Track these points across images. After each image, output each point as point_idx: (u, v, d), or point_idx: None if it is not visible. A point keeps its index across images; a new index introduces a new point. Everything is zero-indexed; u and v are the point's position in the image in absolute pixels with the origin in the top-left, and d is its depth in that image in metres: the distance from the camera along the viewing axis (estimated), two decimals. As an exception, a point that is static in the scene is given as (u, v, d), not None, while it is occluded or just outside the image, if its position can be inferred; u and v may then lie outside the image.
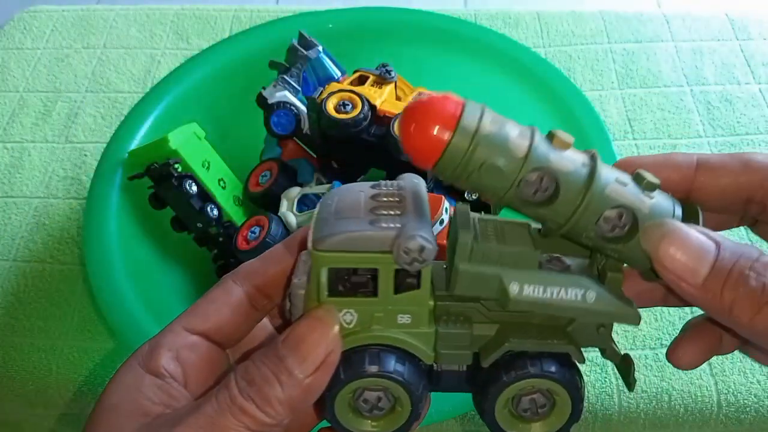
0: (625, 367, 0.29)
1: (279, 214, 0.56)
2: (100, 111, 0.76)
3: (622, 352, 0.30)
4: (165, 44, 0.82)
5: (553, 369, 0.27)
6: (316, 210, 0.27)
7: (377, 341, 0.27)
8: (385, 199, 0.27)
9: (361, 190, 0.28)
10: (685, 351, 0.31)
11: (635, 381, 0.29)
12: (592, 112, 0.60)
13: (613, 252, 0.27)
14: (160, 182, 0.55)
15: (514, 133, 0.25)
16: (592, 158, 0.26)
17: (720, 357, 0.56)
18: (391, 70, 0.61)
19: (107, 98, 0.77)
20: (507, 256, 0.26)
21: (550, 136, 0.26)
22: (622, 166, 0.28)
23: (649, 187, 0.26)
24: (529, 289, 0.26)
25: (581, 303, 0.26)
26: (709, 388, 0.55)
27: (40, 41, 0.83)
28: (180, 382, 0.28)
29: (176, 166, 0.55)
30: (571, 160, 0.25)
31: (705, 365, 0.56)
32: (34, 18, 0.86)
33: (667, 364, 0.55)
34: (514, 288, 0.26)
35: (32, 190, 0.69)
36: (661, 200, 0.27)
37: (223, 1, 0.88)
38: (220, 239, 0.57)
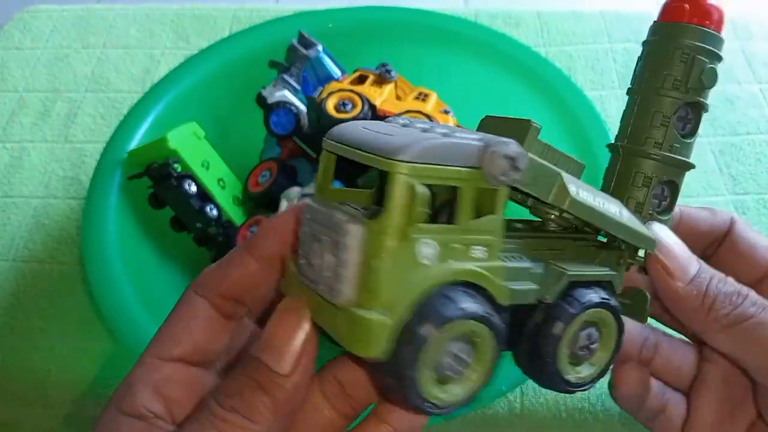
0: (638, 302, 0.30)
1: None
2: (100, 111, 0.76)
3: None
4: (164, 44, 0.82)
5: (608, 296, 0.27)
6: (337, 133, 0.23)
7: (457, 277, 0.22)
8: (421, 124, 0.24)
9: (376, 122, 0.25)
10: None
11: (648, 312, 0.30)
12: (593, 111, 0.60)
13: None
14: (159, 182, 0.55)
15: None
16: None
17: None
18: (391, 70, 0.60)
19: (107, 98, 0.77)
20: (560, 160, 0.26)
21: None
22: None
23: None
24: (583, 194, 0.26)
25: (619, 217, 0.27)
26: (710, 389, 0.55)
27: (40, 41, 0.83)
28: (166, 419, 0.25)
29: (175, 165, 0.55)
30: None
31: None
32: (34, 18, 0.86)
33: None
34: (572, 188, 0.25)
35: (31, 190, 0.69)
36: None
37: (223, 1, 0.88)
38: (220, 239, 0.57)
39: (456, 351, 0.23)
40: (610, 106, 0.74)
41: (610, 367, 0.29)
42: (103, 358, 0.57)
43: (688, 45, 0.30)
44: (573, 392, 0.28)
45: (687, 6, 0.29)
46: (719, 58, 0.31)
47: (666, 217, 0.31)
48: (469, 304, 0.22)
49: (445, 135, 0.23)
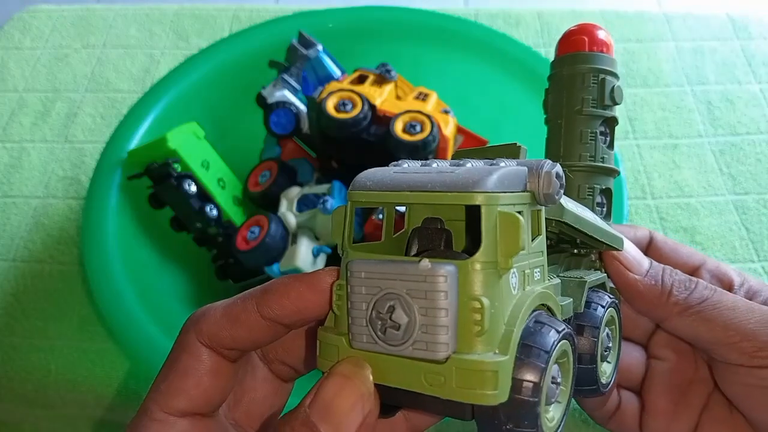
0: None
1: (278, 213, 0.56)
2: (100, 111, 0.75)
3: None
4: (164, 44, 0.82)
5: (611, 295, 0.30)
6: (389, 174, 0.22)
7: (540, 302, 0.22)
8: (440, 161, 0.24)
9: (411, 164, 0.24)
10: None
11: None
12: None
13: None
14: (159, 182, 0.55)
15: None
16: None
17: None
18: (391, 70, 0.60)
19: (106, 98, 0.77)
20: None
21: None
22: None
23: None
24: (571, 205, 0.27)
25: (596, 221, 0.29)
26: (710, 389, 0.55)
27: (40, 41, 0.83)
28: None
29: (175, 165, 0.55)
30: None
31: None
32: (34, 18, 0.86)
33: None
34: (564, 202, 0.26)
35: (31, 190, 0.69)
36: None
37: (223, 1, 0.88)
38: (220, 239, 0.57)
39: (554, 374, 0.22)
40: (610, 106, 0.74)
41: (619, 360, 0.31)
42: (103, 358, 0.57)
43: (595, 69, 0.33)
44: (604, 393, 0.29)
45: (585, 38, 0.34)
46: (618, 77, 0.35)
47: (608, 222, 0.35)
48: (560, 325, 0.22)
49: (493, 164, 0.22)
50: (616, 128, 0.35)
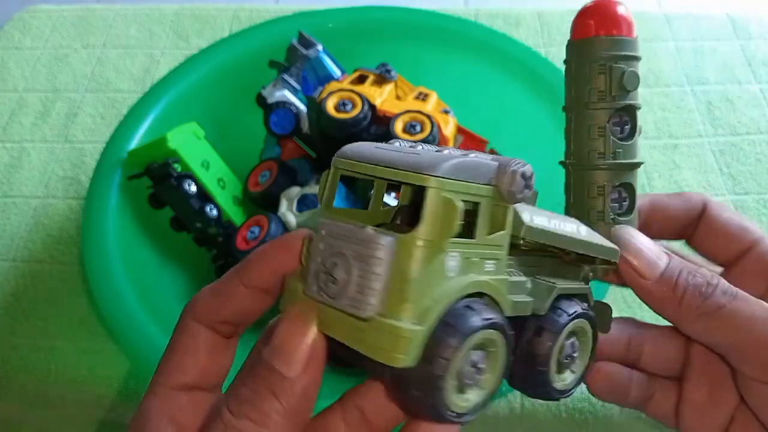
0: (603, 314, 0.32)
1: (278, 214, 0.56)
2: (100, 111, 0.75)
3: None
4: (164, 44, 0.82)
5: (587, 307, 0.29)
6: (360, 149, 0.24)
7: (477, 289, 0.23)
8: (428, 145, 0.26)
9: (396, 144, 0.26)
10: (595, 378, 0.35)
11: (610, 322, 0.32)
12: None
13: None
14: (159, 182, 0.55)
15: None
16: None
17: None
18: (391, 70, 0.60)
19: (106, 98, 0.77)
20: None
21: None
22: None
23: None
24: (538, 220, 0.26)
25: (576, 235, 0.28)
26: (710, 389, 0.55)
27: (40, 41, 0.83)
28: None
29: (175, 165, 0.55)
30: None
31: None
32: (34, 18, 0.86)
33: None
34: (525, 217, 0.26)
35: (31, 190, 0.69)
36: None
37: (223, 1, 0.88)
38: (220, 239, 0.57)
39: (476, 359, 0.23)
40: (610, 106, 0.74)
41: (586, 372, 0.30)
42: (103, 358, 0.57)
43: (602, 56, 0.31)
44: (558, 399, 0.29)
45: (592, 22, 0.32)
46: (637, 59, 0.33)
47: (629, 217, 0.33)
48: (491, 314, 0.23)
49: (463, 155, 0.24)
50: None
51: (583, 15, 0.32)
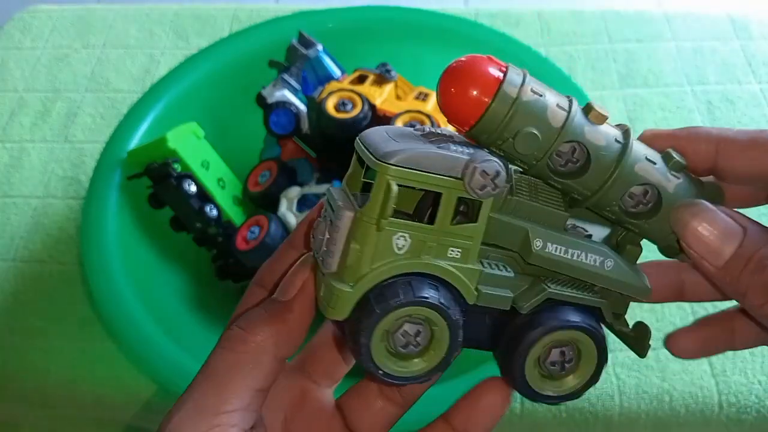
0: (639, 335, 0.30)
1: (278, 214, 0.56)
2: (99, 111, 0.75)
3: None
4: (164, 44, 0.82)
5: (588, 321, 0.28)
6: (359, 141, 0.26)
7: (424, 270, 0.25)
8: (437, 135, 0.26)
9: (403, 128, 0.28)
10: (685, 338, 0.32)
11: (649, 347, 0.29)
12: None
13: (634, 227, 0.28)
14: (159, 182, 0.55)
15: (553, 102, 0.26)
16: (626, 134, 0.27)
17: (721, 358, 0.56)
18: (390, 70, 0.60)
19: (106, 98, 0.77)
20: (537, 213, 0.27)
21: (588, 109, 0.26)
22: (646, 139, 0.28)
23: (677, 167, 0.27)
24: (551, 247, 0.27)
25: (598, 269, 0.27)
26: (710, 389, 0.55)
27: (40, 41, 0.83)
28: None
29: (175, 165, 0.55)
30: (605, 134, 0.26)
31: (706, 366, 0.56)
32: (34, 18, 0.86)
33: (668, 364, 0.55)
34: (537, 243, 0.26)
35: (31, 190, 0.69)
36: (685, 182, 0.28)
37: (223, 1, 0.88)
38: (220, 239, 0.57)
39: (411, 332, 0.26)
40: (611, 106, 0.74)
41: (585, 390, 0.29)
42: (103, 358, 0.57)
43: (493, 139, 0.26)
44: (539, 401, 0.28)
45: (476, 91, 0.25)
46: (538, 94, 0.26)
47: (678, 175, 0.28)
48: (427, 293, 0.25)
49: (440, 147, 0.25)
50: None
51: (461, 94, 0.26)
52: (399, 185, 0.24)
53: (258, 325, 0.26)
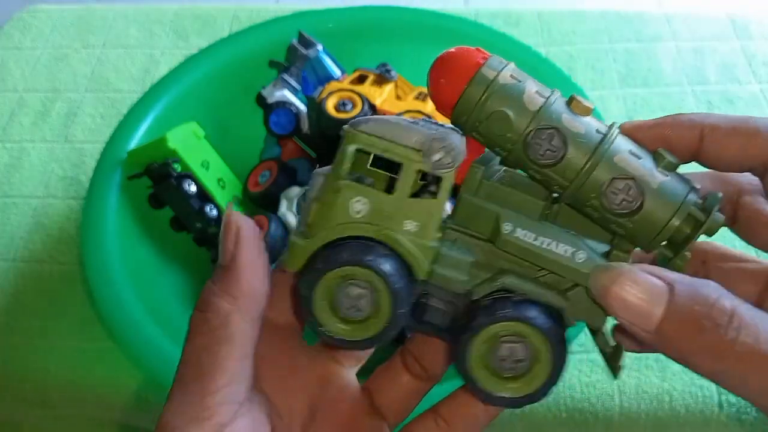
0: (614, 353, 0.28)
1: (279, 213, 0.56)
2: (99, 111, 0.75)
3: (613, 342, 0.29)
4: (164, 44, 0.82)
5: (537, 315, 0.26)
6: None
7: (376, 236, 0.26)
8: (423, 122, 0.27)
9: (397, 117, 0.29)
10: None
11: (621, 368, 0.28)
12: (594, 112, 0.60)
13: (619, 227, 0.26)
14: (159, 182, 0.55)
15: (532, 88, 0.26)
16: (610, 127, 0.26)
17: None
18: (390, 70, 0.60)
19: (106, 98, 0.77)
20: (513, 198, 0.27)
21: (570, 100, 0.26)
22: (627, 131, 0.27)
23: (668, 167, 0.26)
24: (521, 233, 0.26)
25: (568, 260, 0.26)
26: (710, 389, 0.55)
27: (40, 41, 0.83)
28: None
29: (175, 165, 0.55)
30: (585, 123, 0.26)
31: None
32: (34, 17, 0.86)
33: (668, 364, 0.55)
34: (507, 227, 0.26)
35: (31, 190, 0.69)
36: (675, 181, 0.26)
37: (223, 1, 0.88)
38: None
39: (353, 294, 0.26)
40: (611, 106, 0.74)
41: (544, 393, 0.27)
42: (103, 358, 0.57)
43: (472, 122, 0.26)
44: (484, 400, 0.27)
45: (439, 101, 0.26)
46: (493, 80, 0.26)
47: (667, 173, 0.26)
48: (372, 257, 0.25)
49: (412, 122, 0.26)
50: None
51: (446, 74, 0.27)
52: (361, 150, 0.26)
53: (211, 299, 0.25)
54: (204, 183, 0.57)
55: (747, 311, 0.22)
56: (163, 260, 0.57)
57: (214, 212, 0.57)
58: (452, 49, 0.27)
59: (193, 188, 0.56)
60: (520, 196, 0.27)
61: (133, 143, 0.59)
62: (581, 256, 0.26)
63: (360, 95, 0.56)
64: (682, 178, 0.26)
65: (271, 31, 0.68)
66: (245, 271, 0.26)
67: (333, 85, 0.58)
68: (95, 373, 0.57)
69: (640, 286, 0.24)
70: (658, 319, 0.23)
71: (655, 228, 0.26)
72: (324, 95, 0.56)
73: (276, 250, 0.53)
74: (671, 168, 0.26)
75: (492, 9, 0.83)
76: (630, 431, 0.54)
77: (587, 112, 0.26)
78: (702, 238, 0.26)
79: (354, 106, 0.55)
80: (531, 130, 0.25)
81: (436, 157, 0.25)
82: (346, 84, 0.59)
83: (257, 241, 0.26)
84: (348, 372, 0.31)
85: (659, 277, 0.24)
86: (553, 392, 0.31)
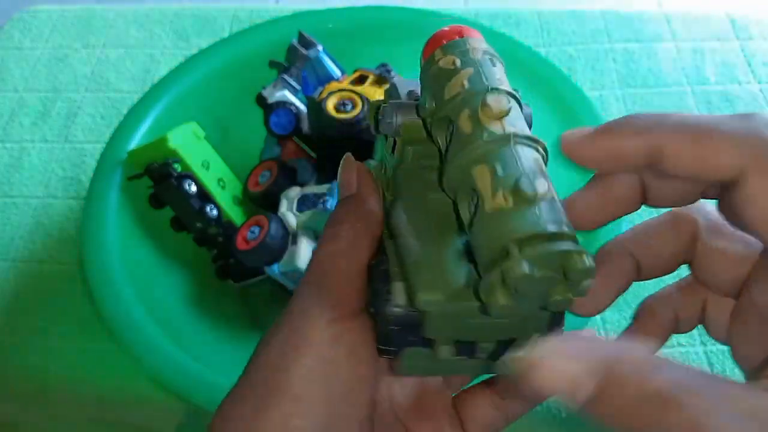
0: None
1: (279, 213, 0.56)
2: (100, 111, 0.75)
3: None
4: (164, 44, 0.82)
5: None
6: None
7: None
8: None
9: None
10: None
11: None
12: (593, 111, 0.60)
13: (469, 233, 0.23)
14: (159, 182, 0.55)
15: (463, 78, 0.25)
16: (504, 137, 0.22)
17: (720, 357, 0.56)
18: (390, 70, 0.60)
19: (107, 98, 0.77)
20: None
21: (483, 104, 0.23)
22: (567, 147, 0.24)
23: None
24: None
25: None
26: (710, 389, 0.55)
27: (40, 41, 0.83)
28: None
29: (175, 165, 0.55)
30: (484, 126, 0.23)
31: (706, 365, 0.56)
32: (34, 18, 0.86)
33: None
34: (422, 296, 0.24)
35: (31, 190, 0.69)
36: (528, 213, 0.21)
37: (223, 1, 0.88)
38: (220, 239, 0.57)
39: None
40: (610, 106, 0.74)
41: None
42: (103, 358, 0.57)
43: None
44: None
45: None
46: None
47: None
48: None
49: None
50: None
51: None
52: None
53: (342, 217, 0.27)
54: (204, 183, 0.57)
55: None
56: (163, 260, 0.57)
57: (215, 212, 0.57)
58: (446, 26, 0.29)
59: (193, 188, 0.56)
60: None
61: (134, 143, 0.59)
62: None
63: (360, 95, 0.56)
64: (557, 212, 0.21)
65: (271, 32, 0.68)
66: (369, 197, 0.28)
67: (333, 86, 0.58)
68: (95, 373, 0.57)
69: (563, 368, 0.20)
70: (588, 395, 0.19)
71: (479, 256, 0.22)
72: (324, 95, 0.56)
73: (275, 250, 0.53)
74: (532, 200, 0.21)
75: (492, 9, 0.83)
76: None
77: (494, 115, 0.23)
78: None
79: (354, 106, 0.55)
80: (433, 117, 0.26)
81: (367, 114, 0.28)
82: (346, 84, 0.59)
83: (372, 177, 0.29)
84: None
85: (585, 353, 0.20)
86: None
